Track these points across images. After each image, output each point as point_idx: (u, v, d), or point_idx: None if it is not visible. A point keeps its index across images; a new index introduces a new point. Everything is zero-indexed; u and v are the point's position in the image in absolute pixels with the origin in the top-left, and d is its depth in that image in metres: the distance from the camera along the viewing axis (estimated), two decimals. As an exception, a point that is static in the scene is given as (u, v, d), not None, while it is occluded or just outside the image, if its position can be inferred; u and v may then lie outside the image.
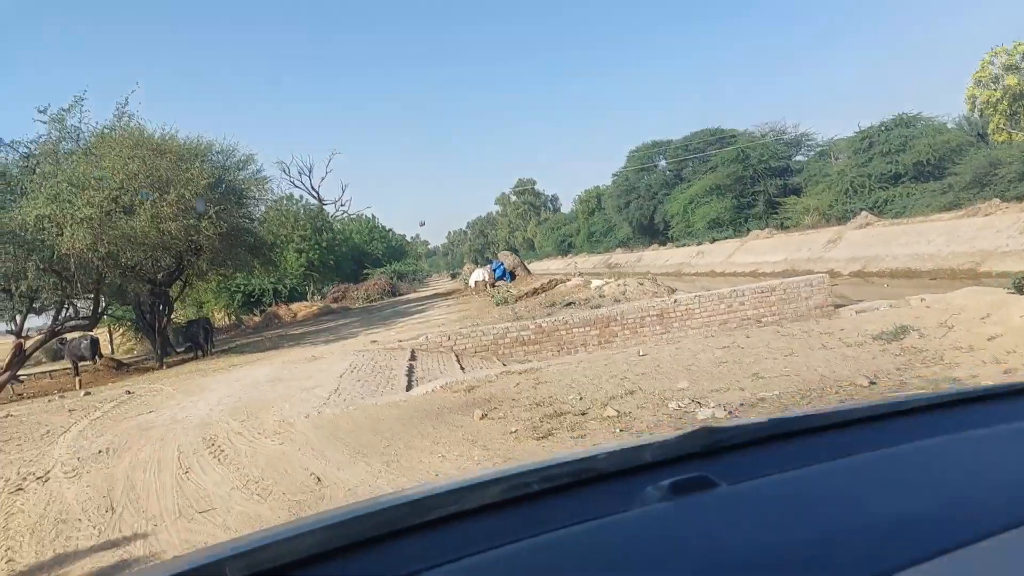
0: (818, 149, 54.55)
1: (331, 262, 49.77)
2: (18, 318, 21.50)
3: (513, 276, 29.22)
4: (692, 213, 61.08)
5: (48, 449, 8.40)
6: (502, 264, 29.46)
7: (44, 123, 19.32)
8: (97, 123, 19.62)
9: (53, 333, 20.92)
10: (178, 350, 28.42)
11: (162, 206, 18.17)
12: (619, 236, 76.88)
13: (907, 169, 42.10)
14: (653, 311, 14.49)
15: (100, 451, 7.65)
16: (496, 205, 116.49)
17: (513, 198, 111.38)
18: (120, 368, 23.22)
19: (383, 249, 59.53)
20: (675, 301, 14.60)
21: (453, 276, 79.07)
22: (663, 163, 71.18)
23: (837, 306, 14.95)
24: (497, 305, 20.77)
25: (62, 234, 16.86)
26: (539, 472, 1.37)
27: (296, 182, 53.28)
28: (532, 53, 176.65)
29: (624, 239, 75.27)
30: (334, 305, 39.65)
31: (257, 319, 38.30)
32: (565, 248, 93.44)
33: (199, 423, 8.56)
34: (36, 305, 20.76)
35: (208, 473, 6.27)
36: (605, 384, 7.14)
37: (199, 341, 22.84)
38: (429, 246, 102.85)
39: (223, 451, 6.86)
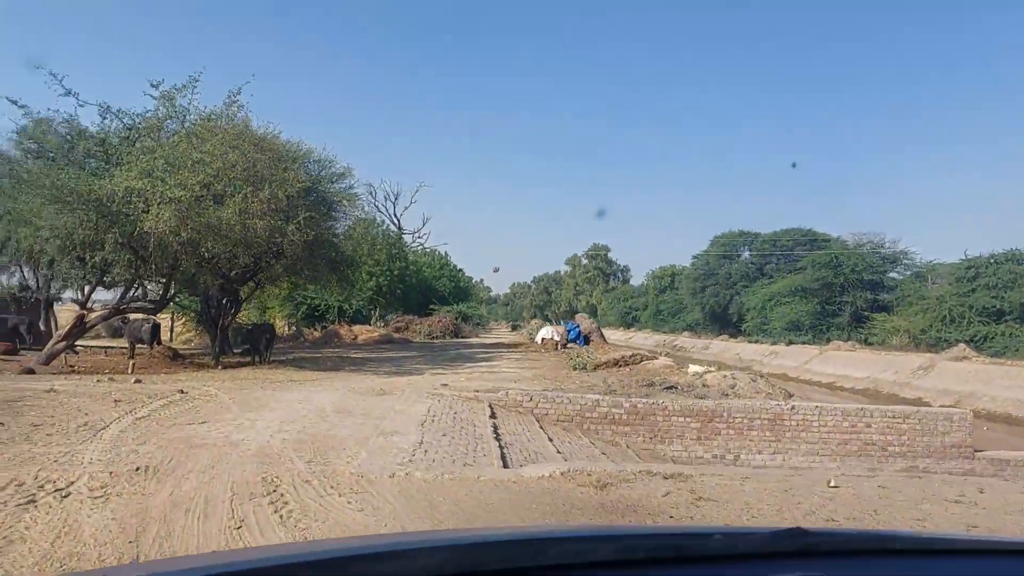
0: (915, 270, 51.98)
1: (399, 291, 48.92)
2: (86, 289, 20.71)
3: (587, 340, 27.59)
4: (770, 310, 58.81)
5: (80, 448, 7.06)
6: (578, 326, 27.88)
7: (154, 98, 18.68)
8: (206, 107, 18.87)
9: (117, 310, 20.03)
10: (235, 350, 27.47)
11: (253, 201, 17.19)
12: (687, 319, 74.69)
13: (1013, 308, 39.38)
14: (765, 415, 12.70)
15: (139, 468, 6.26)
16: (565, 265, 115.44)
17: (584, 261, 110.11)
18: (176, 359, 22.22)
19: (450, 288, 58.57)
20: (792, 408, 12.78)
21: (514, 328, 77.79)
22: (746, 254, 69.17)
23: (977, 449, 12.92)
24: (574, 370, 19.17)
25: (147, 211, 15.95)
26: (625, 539, 1.56)
27: (380, 207, 52.73)
28: (628, 124, 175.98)
29: (692, 323, 73.05)
30: (396, 335, 38.50)
31: (317, 334, 37.35)
32: (629, 321, 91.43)
33: (258, 452, 7.13)
34: (106, 279, 19.92)
35: (266, 533, 4.79)
36: (798, 521, 5.46)
37: (259, 347, 21.72)
38: (491, 293, 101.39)
39: (286, 504, 5.38)
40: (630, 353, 21.22)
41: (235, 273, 21.41)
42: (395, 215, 56.10)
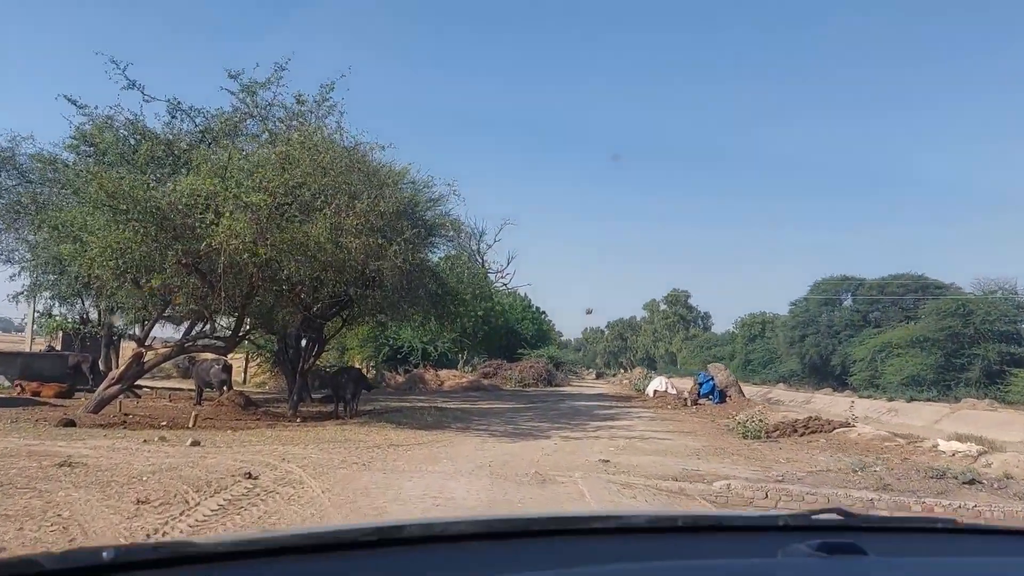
0: (1055, 320, 45.67)
1: (482, 333, 44.94)
2: (146, 322, 17.24)
3: (723, 397, 22.88)
4: (881, 362, 52.71)
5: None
6: (712, 379, 23.20)
7: (232, 92, 15.15)
8: (293, 103, 15.21)
9: (182, 349, 16.36)
10: (314, 396, 23.62)
11: (348, 215, 13.37)
12: (781, 370, 68.66)
13: None
14: None
15: None
16: (643, 311, 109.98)
17: (663, 307, 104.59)
18: (247, 407, 18.44)
19: (533, 330, 54.25)
20: None
21: (599, 375, 73.11)
22: (848, 301, 63.29)
23: None
24: (745, 438, 14.59)
25: (217, 223, 12.21)
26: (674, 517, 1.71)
27: (464, 243, 49.00)
28: (713, 174, 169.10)
29: (787, 374, 67.03)
30: (485, 381, 34.35)
31: (400, 379, 33.48)
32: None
33: None
34: (168, 312, 16.37)
35: None
36: None
37: (345, 395, 17.77)
38: (561, 337, 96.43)
39: None
40: (807, 416, 16.50)
41: (319, 307, 17.65)
42: (479, 252, 52.49)
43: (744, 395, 23.71)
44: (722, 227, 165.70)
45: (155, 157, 14.78)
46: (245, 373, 34.58)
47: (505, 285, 52.80)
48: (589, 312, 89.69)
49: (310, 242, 12.98)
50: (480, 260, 49.77)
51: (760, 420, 15.10)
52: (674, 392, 29.30)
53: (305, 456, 9.92)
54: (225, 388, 20.13)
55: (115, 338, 21.92)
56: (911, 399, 47.53)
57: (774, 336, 71.90)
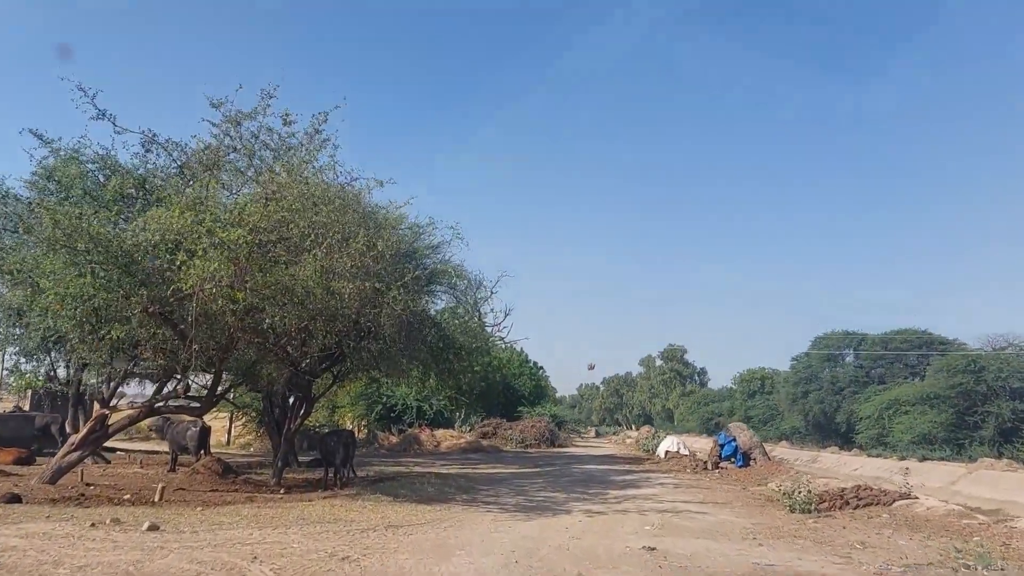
0: (1071, 377, 43.97)
1: (480, 390, 42.84)
2: (112, 380, 15.28)
3: (747, 460, 20.84)
4: (889, 420, 50.74)
5: None
6: (733, 440, 21.18)
7: (215, 124, 13.46)
8: (282, 136, 13.53)
9: (151, 410, 14.31)
10: (301, 460, 21.50)
11: (340, 257, 11.62)
12: (783, 427, 66.54)
13: None
14: None
15: None
16: (639, 366, 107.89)
17: (659, 362, 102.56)
18: (226, 475, 16.34)
19: (530, 387, 52.09)
20: None
21: (598, 434, 70.68)
22: (850, 357, 61.61)
23: None
24: (792, 512, 12.62)
25: (190, 263, 10.40)
26: None
27: (465, 294, 47.17)
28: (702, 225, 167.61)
29: (790, 431, 64.92)
30: (484, 442, 32.19)
31: (394, 439, 31.31)
32: (712, 427, 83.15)
33: None
34: (137, 368, 14.42)
35: None
36: None
37: (334, 461, 15.73)
38: (556, 394, 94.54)
39: None
40: (855, 485, 14.55)
41: (308, 362, 15.74)
42: (476, 304, 50.62)
43: (769, 457, 21.69)
44: (717, 282, 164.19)
45: (124, 195, 13.02)
46: (229, 434, 32.34)
47: (502, 339, 50.99)
48: (591, 367, 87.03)
49: (297, 286, 11.19)
50: (477, 312, 48.05)
51: (808, 491, 13.12)
52: (687, 453, 27.26)
53: (283, 547, 7.93)
54: (202, 453, 18.06)
55: (85, 397, 19.80)
56: (923, 458, 45.52)
57: (775, 392, 69.93)
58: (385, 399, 34.05)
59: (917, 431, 46.81)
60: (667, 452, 27.00)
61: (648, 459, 27.20)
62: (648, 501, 14.20)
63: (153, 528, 8.83)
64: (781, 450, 63.22)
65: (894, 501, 12.91)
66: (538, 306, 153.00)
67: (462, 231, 16.46)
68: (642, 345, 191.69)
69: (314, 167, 13.25)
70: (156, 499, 12.26)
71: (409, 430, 32.03)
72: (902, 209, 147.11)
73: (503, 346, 50.05)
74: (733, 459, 20.88)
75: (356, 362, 16.09)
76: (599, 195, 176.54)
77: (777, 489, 14.23)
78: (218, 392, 14.77)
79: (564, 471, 21.00)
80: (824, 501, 13.29)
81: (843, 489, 14.22)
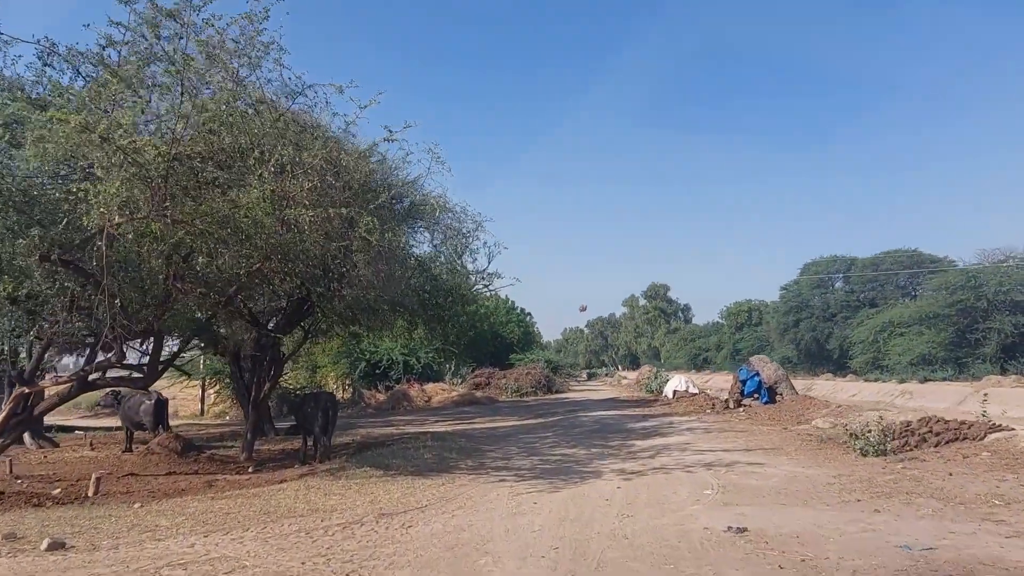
0: (1072, 285, 42.20)
1: (467, 340, 40.42)
2: (34, 351, 12.57)
3: (773, 396, 18.61)
4: (884, 343, 49.07)
5: None
6: (757, 374, 18.89)
7: (127, 28, 10.45)
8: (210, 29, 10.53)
9: (83, 385, 11.60)
10: (278, 428, 18.99)
11: (293, 178, 8.94)
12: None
13: None
14: None
15: None
16: (623, 307, 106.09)
17: (643, 302, 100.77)
18: (186, 453, 13.74)
19: (519, 334, 49.76)
20: None
21: (590, 376, 68.83)
22: (839, 283, 59.83)
23: None
24: (863, 455, 10.34)
25: (92, 191, 7.64)
26: None
27: (452, 229, 44.37)
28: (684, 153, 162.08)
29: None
30: (478, 393, 29.86)
31: (382, 397, 28.84)
32: (699, 363, 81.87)
33: None
34: (63, 336, 11.66)
35: None
36: None
37: (313, 428, 13.20)
38: (542, 340, 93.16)
39: None
40: (920, 418, 12.28)
41: (270, 317, 13.13)
42: (463, 242, 47.87)
43: (796, 391, 19.50)
44: (696, 216, 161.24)
45: (18, 119, 10.12)
46: (203, 403, 29.73)
47: (487, 286, 48.38)
48: (583, 309, 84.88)
49: (240, 216, 8.49)
50: (467, 250, 45.25)
51: (881, 427, 10.82)
52: (697, 391, 25.13)
53: (232, 567, 5.44)
54: (160, 429, 15.46)
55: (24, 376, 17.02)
56: (925, 380, 44.02)
57: (764, 323, 68.34)
58: (368, 355, 31.46)
59: (916, 352, 45.15)
60: (675, 392, 24.84)
61: (656, 400, 25.04)
62: (685, 452, 11.86)
63: (56, 546, 6.35)
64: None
65: (985, 435, 10.64)
66: (517, 250, 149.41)
67: (442, 154, 13.67)
68: (625, 286, 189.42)
69: (258, 78, 10.40)
70: (90, 493, 9.72)
71: (397, 386, 29.57)
72: (879, 128, 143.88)
73: (489, 293, 47.53)
74: (757, 395, 18.66)
75: (328, 313, 13.45)
76: (575, 135, 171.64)
77: (829, 427, 11.98)
78: (164, 359, 12.12)
79: (572, 420, 18.70)
80: (894, 439, 11.01)
81: (907, 423, 11.96)
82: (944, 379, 42.25)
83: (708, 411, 18.96)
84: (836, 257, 58.91)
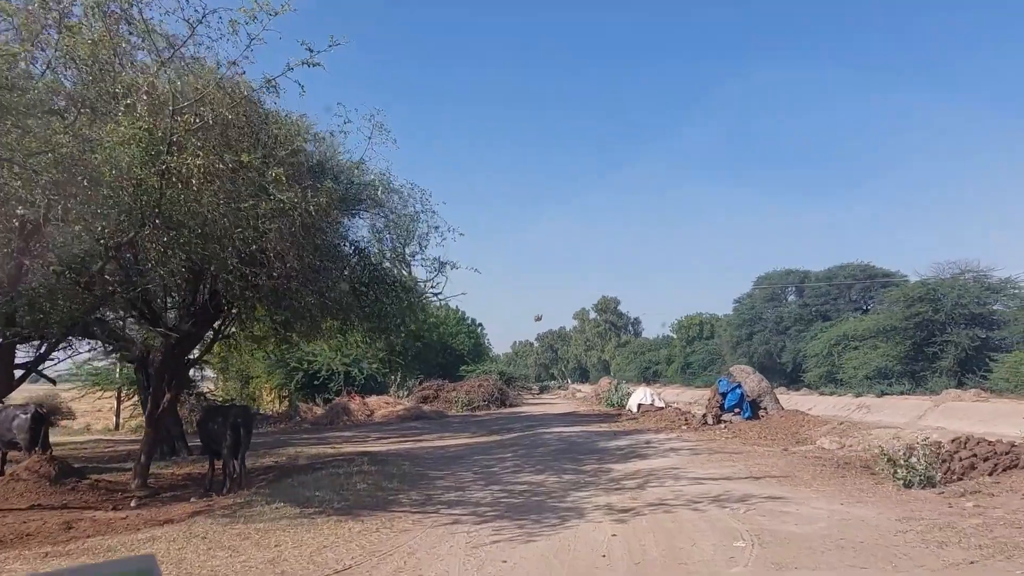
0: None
1: (415, 351, 37.71)
2: None
3: (756, 410, 16.53)
4: (839, 357, 48.03)
5: None
6: (738, 387, 16.76)
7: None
8: None
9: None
10: (191, 447, 16.09)
11: (166, 117, 6.41)
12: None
13: None
14: None
15: None
16: (574, 320, 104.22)
17: (593, 315, 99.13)
18: (61, 480, 10.89)
19: (470, 345, 47.23)
20: None
21: (542, 389, 66.32)
22: (792, 297, 58.93)
23: None
24: (906, 487, 8.18)
25: None
26: None
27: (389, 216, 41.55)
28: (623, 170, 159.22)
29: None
30: (426, 407, 27.22)
31: (319, 410, 26.02)
32: (649, 376, 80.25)
33: None
34: None
35: None
36: None
37: (222, 450, 10.54)
38: (492, 355, 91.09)
39: None
40: (956, 438, 10.20)
41: (179, 317, 10.45)
42: (405, 259, 45.10)
43: (782, 406, 17.44)
44: (646, 230, 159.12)
45: None
46: (118, 416, 26.44)
47: (436, 296, 45.68)
48: (539, 319, 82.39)
49: (95, 163, 5.92)
50: (407, 268, 42.45)
51: (927, 451, 8.69)
52: (662, 405, 22.99)
53: None
54: (37, 447, 12.56)
55: None
56: (882, 394, 42.91)
57: (716, 337, 67.15)
58: (306, 365, 28.59)
59: (872, 366, 44.06)
60: (640, 405, 22.66)
61: (620, 415, 22.79)
62: (680, 481, 9.56)
63: None
64: (726, 395, 59.90)
65: (1054, 461, 8.59)
66: (468, 261, 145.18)
67: (386, 121, 11.18)
68: (576, 300, 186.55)
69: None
70: None
71: (336, 399, 26.77)
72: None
73: (439, 302, 44.82)
74: (738, 410, 16.55)
75: (241, 307, 10.79)
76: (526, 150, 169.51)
77: (838, 448, 9.90)
78: (20, 362, 9.35)
79: (533, 438, 16.29)
80: (957, 468, 8.90)
81: (938, 443, 9.89)
82: (901, 393, 41.17)
83: (683, 427, 16.76)
84: (790, 271, 57.99)
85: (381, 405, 25.93)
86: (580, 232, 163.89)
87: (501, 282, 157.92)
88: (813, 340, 51.49)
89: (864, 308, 54.14)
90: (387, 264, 11.85)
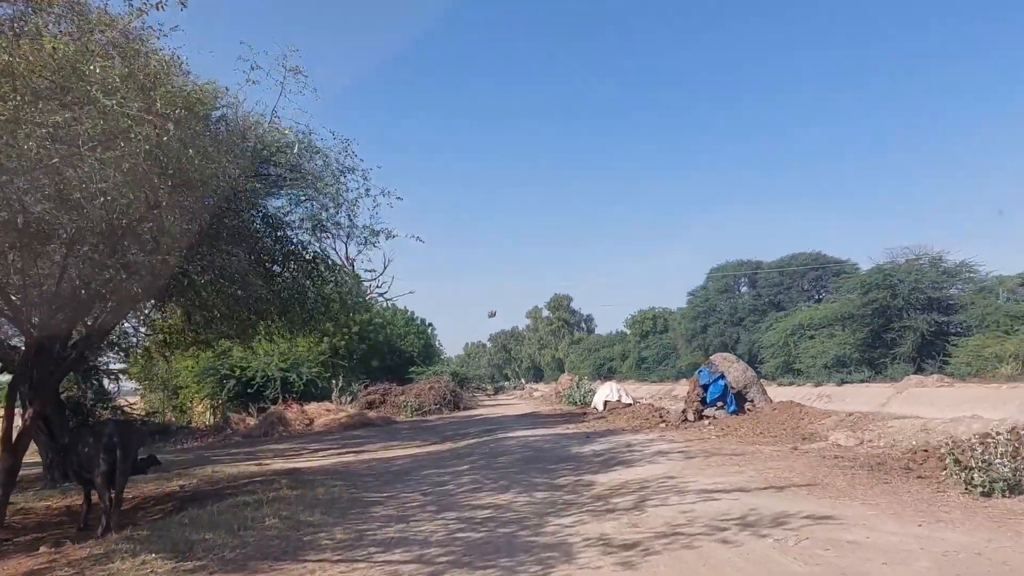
0: (980, 284, 40.99)
1: (360, 353, 35.09)
2: None
3: (741, 403, 14.57)
4: (795, 346, 47.06)
5: None
6: (721, 376, 14.75)
7: None
8: None
9: None
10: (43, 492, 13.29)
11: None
12: (679, 365, 62.59)
13: None
14: None
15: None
16: (526, 319, 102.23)
17: (546, 313, 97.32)
18: None
19: (419, 347, 44.64)
20: None
21: (497, 390, 64.06)
22: (744, 288, 58.02)
23: None
24: (984, 495, 6.21)
25: None
26: None
27: (331, 245, 38.72)
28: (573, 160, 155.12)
29: (687, 369, 60.91)
30: (371, 413, 24.72)
31: (252, 421, 23.35)
32: (604, 372, 78.78)
33: None
34: None
35: None
36: None
37: (95, 479, 8.06)
38: (444, 355, 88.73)
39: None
40: (1019, 430, 8.31)
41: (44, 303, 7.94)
42: (348, 256, 42.42)
43: (770, 397, 15.52)
44: (596, 225, 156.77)
45: None
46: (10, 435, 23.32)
47: (382, 295, 42.99)
48: (492, 315, 79.66)
49: None
50: (351, 265, 39.59)
51: (1004, 449, 6.72)
52: (630, 401, 21.01)
53: None
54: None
55: None
56: (842, 382, 41.94)
57: (672, 331, 65.98)
58: (238, 372, 25.82)
59: (830, 355, 43.05)
60: (607, 402, 20.63)
61: (585, 413, 20.69)
62: (685, 498, 7.42)
63: None
64: (683, 388, 58.82)
65: None
66: (415, 261, 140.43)
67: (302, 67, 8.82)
68: (528, 299, 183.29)
69: None
70: None
71: (272, 408, 24.09)
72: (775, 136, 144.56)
73: (384, 303, 42.07)
74: (722, 403, 14.57)
75: (122, 293, 8.28)
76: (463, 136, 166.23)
77: (857, 444, 7.96)
78: None
79: (493, 445, 14.02)
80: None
81: (985, 436, 7.97)
82: (862, 381, 40.20)
83: (661, 425, 14.71)
84: (743, 262, 56.98)
85: (322, 413, 23.35)
86: (531, 231, 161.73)
87: (452, 281, 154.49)
88: (768, 331, 50.50)
89: (817, 297, 53.43)
90: (307, 237, 9.42)
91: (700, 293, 58.39)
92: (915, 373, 37.28)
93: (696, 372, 15.32)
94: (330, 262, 10.09)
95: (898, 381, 37.07)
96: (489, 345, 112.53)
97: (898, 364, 39.81)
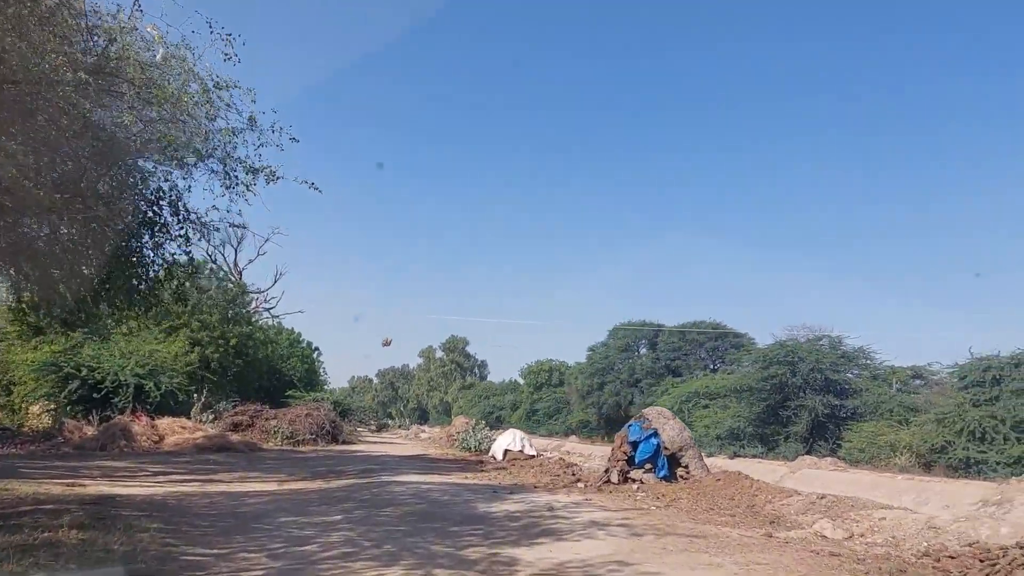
0: (875, 372, 41.26)
1: (235, 369, 31.23)
2: None
3: (673, 468, 12.33)
4: (689, 414, 46.07)
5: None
6: (654, 434, 12.42)
7: None
8: None
9: None
10: None
11: None
12: (571, 421, 60.96)
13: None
14: None
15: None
16: (419, 358, 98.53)
17: (440, 354, 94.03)
18: None
19: (302, 371, 40.78)
20: None
21: (380, 428, 60.02)
22: (643, 350, 57.27)
23: None
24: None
25: None
26: None
27: (219, 251, 34.86)
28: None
29: (578, 426, 59.46)
30: (234, 437, 21.15)
31: (91, 431, 19.46)
32: (493, 421, 76.07)
33: None
34: None
35: None
36: None
37: None
38: (327, 387, 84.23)
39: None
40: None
41: None
42: (236, 265, 38.47)
43: (706, 465, 13.36)
44: (497, 272, 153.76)
45: None
46: None
47: (268, 312, 39.07)
48: (387, 343, 75.12)
49: None
50: (237, 275, 35.63)
51: None
52: (533, 452, 18.57)
53: None
54: None
55: None
56: (735, 455, 40.73)
57: (567, 384, 64.38)
58: (85, 371, 21.80)
59: (725, 426, 42.19)
60: (507, 452, 18.11)
61: (481, 462, 18.05)
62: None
63: None
64: (572, 445, 56.82)
65: None
66: (303, 290, 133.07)
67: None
68: (422, 337, 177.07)
69: None
70: None
71: (118, 417, 20.21)
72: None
73: (270, 320, 38.12)
74: (651, 465, 12.31)
75: None
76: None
77: (844, 537, 5.88)
78: None
79: (376, 491, 11.18)
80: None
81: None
82: (754, 456, 39.26)
83: (580, 485, 12.29)
84: (645, 323, 56.24)
85: (175, 430, 19.73)
86: (431, 266, 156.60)
87: (344, 307, 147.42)
88: (664, 395, 49.45)
89: (714, 367, 53.07)
90: (154, 164, 6.61)
91: (600, 350, 57.12)
92: (807, 454, 36.57)
93: (626, 427, 13.03)
94: (180, 205, 7.28)
95: (791, 460, 36.12)
96: (376, 381, 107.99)
97: (791, 443, 39.16)
